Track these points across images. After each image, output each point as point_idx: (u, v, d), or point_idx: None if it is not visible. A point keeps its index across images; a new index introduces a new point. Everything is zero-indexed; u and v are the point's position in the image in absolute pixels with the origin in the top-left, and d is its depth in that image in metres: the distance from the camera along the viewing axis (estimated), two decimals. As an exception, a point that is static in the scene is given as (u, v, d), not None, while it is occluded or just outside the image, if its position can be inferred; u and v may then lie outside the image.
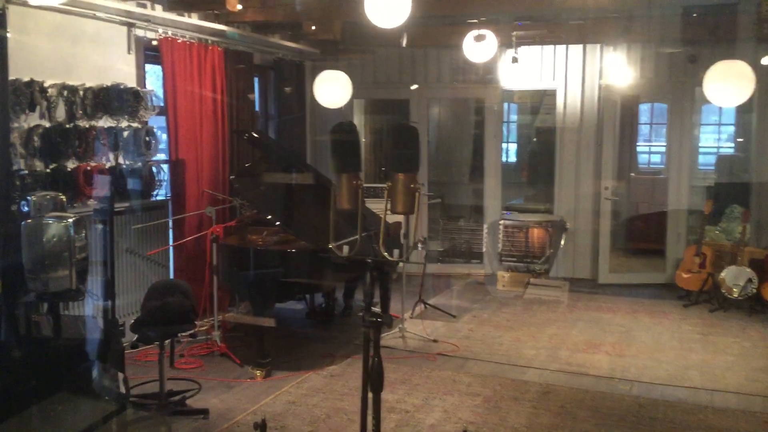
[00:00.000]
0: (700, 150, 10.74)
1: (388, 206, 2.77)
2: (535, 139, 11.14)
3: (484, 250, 8.64)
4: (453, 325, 6.73)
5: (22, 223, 3.32)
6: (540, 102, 9.94)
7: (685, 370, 5.57)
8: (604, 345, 6.17)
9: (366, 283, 2.57)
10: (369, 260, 2.73)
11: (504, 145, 9.81)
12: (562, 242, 8.39)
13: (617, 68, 8.19)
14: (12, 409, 3.25)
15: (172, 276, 6.45)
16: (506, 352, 5.98)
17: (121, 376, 3.52)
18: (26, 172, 5.05)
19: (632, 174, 10.47)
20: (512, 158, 11.68)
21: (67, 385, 3.19)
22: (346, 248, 2.72)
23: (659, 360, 5.79)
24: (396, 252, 2.62)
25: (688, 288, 7.70)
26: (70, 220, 3.34)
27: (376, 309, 2.70)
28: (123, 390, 3.37)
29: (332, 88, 6.61)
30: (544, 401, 4.90)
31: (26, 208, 4.00)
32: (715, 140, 11.85)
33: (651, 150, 11.54)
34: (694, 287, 7.63)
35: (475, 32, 6.30)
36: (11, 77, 4.84)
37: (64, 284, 3.23)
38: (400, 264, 6.47)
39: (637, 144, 11.03)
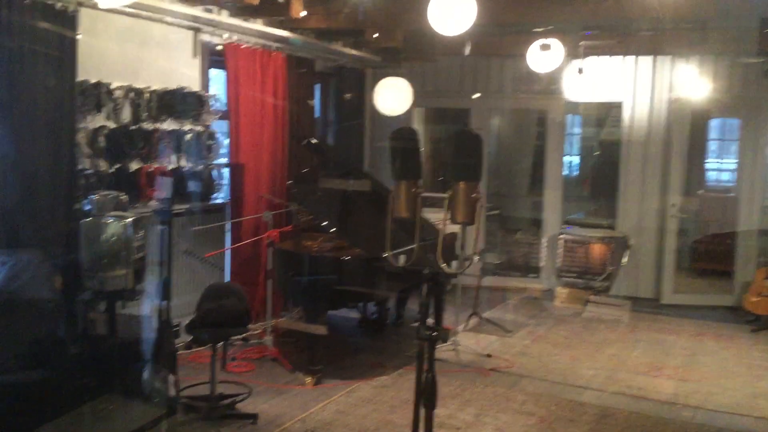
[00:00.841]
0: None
1: (448, 216, 2.69)
2: (597, 153, 10.86)
3: (542, 264, 8.43)
4: (507, 341, 6.57)
5: (81, 221, 3.36)
6: (606, 114, 9.67)
7: (753, 398, 5.29)
8: (667, 368, 5.92)
9: (422, 294, 2.48)
10: (425, 271, 2.65)
11: (566, 158, 9.59)
12: (625, 259, 8.12)
13: (689, 81, 7.90)
14: (66, 405, 3.29)
15: (228, 279, 6.49)
16: (562, 371, 5.79)
17: (172, 378, 3.52)
18: (91, 171, 5.14)
19: (700, 191, 10.09)
20: (574, 171, 11.41)
21: (120, 384, 3.21)
22: (402, 258, 2.64)
23: (725, 387, 5.52)
24: (454, 264, 2.53)
25: (758, 312, 7.33)
26: (129, 219, 3.37)
27: (431, 321, 2.61)
28: (173, 393, 3.36)
29: (393, 95, 6.56)
30: (601, 425, 4.71)
31: (88, 207, 4.08)
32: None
33: (721, 167, 11.11)
34: (763, 311, 7.27)
35: (540, 41, 6.16)
36: (80, 78, 4.98)
37: (120, 283, 3.25)
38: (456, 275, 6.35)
39: (706, 160, 10.62)
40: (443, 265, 2.68)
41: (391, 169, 2.76)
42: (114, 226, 3.30)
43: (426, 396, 2.29)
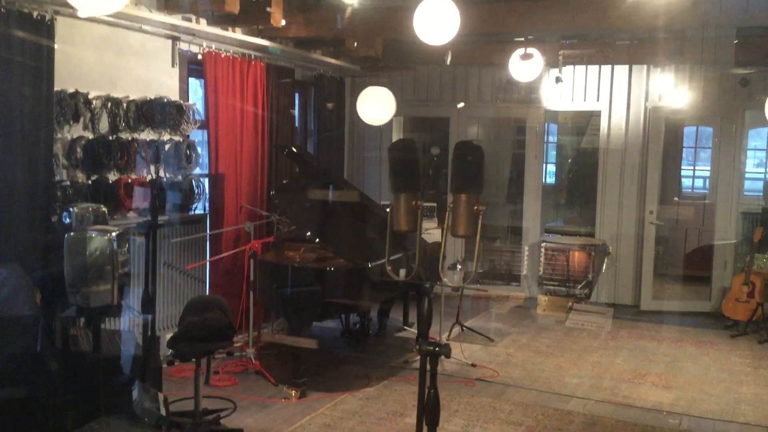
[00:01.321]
0: (751, 175, 10.44)
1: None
2: (570, 160, 10.94)
3: (524, 272, 8.45)
4: (491, 349, 6.56)
5: (66, 235, 3.26)
6: (586, 123, 9.74)
7: (736, 404, 5.33)
8: (650, 375, 5.94)
9: (422, 307, 2.43)
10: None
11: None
12: (604, 267, 8.17)
13: (664, 90, 8.00)
14: (48, 422, 3.19)
15: (207, 291, 6.39)
16: (547, 379, 5.79)
17: (161, 396, 3.42)
18: (68, 183, 5.03)
19: (675, 198, 10.20)
20: (550, 179, 11.46)
21: (105, 402, 3.11)
22: (403, 271, 2.60)
23: (708, 393, 5.55)
24: (456, 277, 2.49)
25: (736, 317, 7.42)
26: (114, 233, 3.28)
27: (433, 337, 2.57)
28: (164, 411, 3.27)
29: (376, 105, 6.53)
30: (589, 433, 4.71)
31: (68, 220, 3.97)
32: (755, 165, 11.51)
33: (695, 174, 11.24)
34: (742, 317, 7.35)
35: (521, 51, 6.18)
36: (57, 88, 4.87)
37: (105, 299, 3.16)
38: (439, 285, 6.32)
39: (682, 168, 10.75)
40: (446, 279, 2.64)
41: (390, 182, 2.72)
42: (98, 240, 3.21)
43: (428, 413, 2.24)
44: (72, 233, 3.30)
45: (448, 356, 2.18)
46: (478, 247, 2.54)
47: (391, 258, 5.79)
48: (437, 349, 2.17)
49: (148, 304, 3.46)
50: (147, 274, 3.43)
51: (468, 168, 2.46)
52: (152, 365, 3.56)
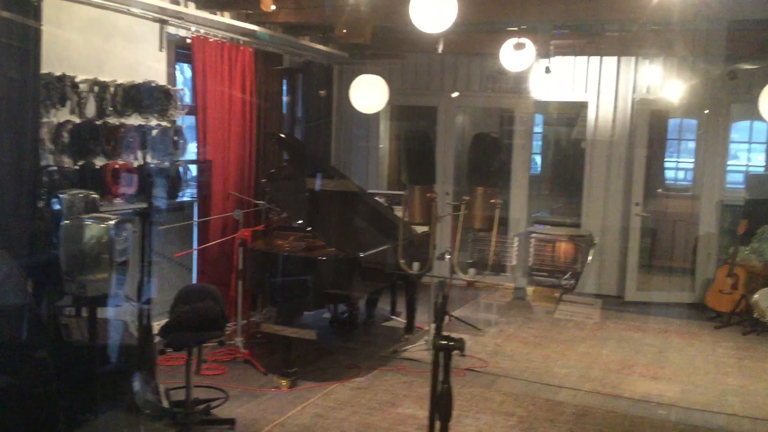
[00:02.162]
0: (732, 168, 10.52)
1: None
2: (555, 151, 10.97)
3: (513, 263, 8.45)
4: (479, 339, 6.56)
5: (61, 223, 3.17)
6: (577, 114, 9.74)
7: (723, 395, 5.38)
8: (637, 366, 5.99)
9: (436, 300, 2.40)
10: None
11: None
12: (590, 258, 8.21)
13: (651, 82, 8.03)
14: (41, 411, 3.12)
15: (195, 279, 6.31)
16: (536, 369, 5.80)
17: (162, 387, 3.36)
18: (55, 168, 4.91)
19: (659, 190, 10.27)
20: (534, 170, 11.48)
21: (101, 392, 3.05)
22: (417, 264, 2.55)
23: (695, 384, 5.61)
24: (471, 270, 2.46)
25: (720, 309, 7.50)
26: (112, 221, 3.20)
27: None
28: (166, 404, 3.20)
29: (369, 93, 6.46)
30: (580, 424, 4.72)
31: (58, 207, 3.88)
32: (735, 158, 11.63)
33: (678, 166, 11.33)
34: (725, 309, 7.43)
35: (514, 40, 6.15)
36: (43, 71, 4.74)
37: (103, 288, 3.09)
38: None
39: (665, 160, 10.83)
40: (460, 271, 2.60)
41: (404, 174, 2.67)
42: (96, 228, 3.13)
43: (441, 408, 2.22)
44: (68, 221, 3.22)
45: (462, 351, 2.15)
46: (495, 240, 2.51)
47: (382, 248, 5.77)
48: (452, 343, 2.14)
49: (145, 293, 3.38)
50: (142, 262, 3.36)
51: (485, 161, 2.42)
52: (149, 355, 3.50)
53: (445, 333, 2.17)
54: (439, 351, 2.14)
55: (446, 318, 6.91)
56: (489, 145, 2.36)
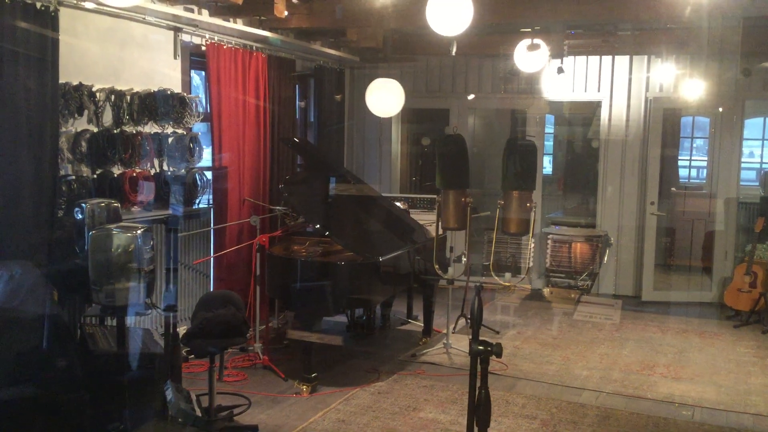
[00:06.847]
0: (743, 165, 10.46)
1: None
2: (569, 151, 10.91)
3: (530, 264, 8.42)
4: (498, 341, 6.51)
5: (89, 233, 3.18)
6: (593, 113, 9.69)
7: (746, 395, 5.34)
8: (658, 366, 5.95)
9: (473, 305, 2.38)
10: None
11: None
12: (606, 258, 8.17)
13: (665, 80, 7.99)
14: (68, 421, 3.12)
15: (212, 285, 6.32)
16: (557, 372, 5.77)
17: (194, 396, 3.36)
18: (73, 177, 4.93)
19: (673, 189, 10.22)
20: (546, 170, 11.44)
21: (130, 401, 3.05)
22: (450, 269, 2.54)
23: (718, 384, 5.56)
24: (507, 275, 2.44)
25: (738, 308, 7.45)
26: (140, 230, 3.20)
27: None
28: (198, 412, 3.20)
29: (385, 97, 6.45)
30: (604, 426, 4.69)
31: (80, 215, 3.89)
32: (747, 155, 11.56)
33: (691, 164, 11.27)
34: (744, 307, 7.38)
35: (528, 41, 6.13)
36: (61, 81, 4.76)
37: (131, 297, 3.09)
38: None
39: (680, 158, 10.77)
40: (496, 278, 2.58)
41: (437, 178, 2.66)
42: (124, 237, 3.13)
43: (480, 415, 2.20)
44: (95, 230, 3.22)
45: (499, 356, 2.13)
46: (532, 245, 2.50)
47: (400, 252, 5.76)
48: (489, 348, 2.13)
49: (171, 300, 3.38)
50: (167, 269, 3.36)
51: (520, 165, 2.41)
52: (176, 363, 3.50)
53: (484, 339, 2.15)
54: (476, 356, 2.12)
55: (464, 320, 6.89)
56: (524, 150, 2.35)
